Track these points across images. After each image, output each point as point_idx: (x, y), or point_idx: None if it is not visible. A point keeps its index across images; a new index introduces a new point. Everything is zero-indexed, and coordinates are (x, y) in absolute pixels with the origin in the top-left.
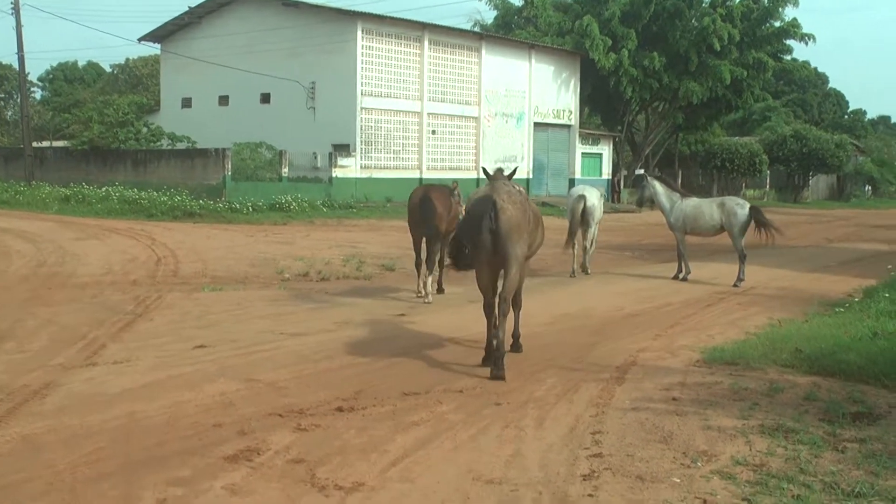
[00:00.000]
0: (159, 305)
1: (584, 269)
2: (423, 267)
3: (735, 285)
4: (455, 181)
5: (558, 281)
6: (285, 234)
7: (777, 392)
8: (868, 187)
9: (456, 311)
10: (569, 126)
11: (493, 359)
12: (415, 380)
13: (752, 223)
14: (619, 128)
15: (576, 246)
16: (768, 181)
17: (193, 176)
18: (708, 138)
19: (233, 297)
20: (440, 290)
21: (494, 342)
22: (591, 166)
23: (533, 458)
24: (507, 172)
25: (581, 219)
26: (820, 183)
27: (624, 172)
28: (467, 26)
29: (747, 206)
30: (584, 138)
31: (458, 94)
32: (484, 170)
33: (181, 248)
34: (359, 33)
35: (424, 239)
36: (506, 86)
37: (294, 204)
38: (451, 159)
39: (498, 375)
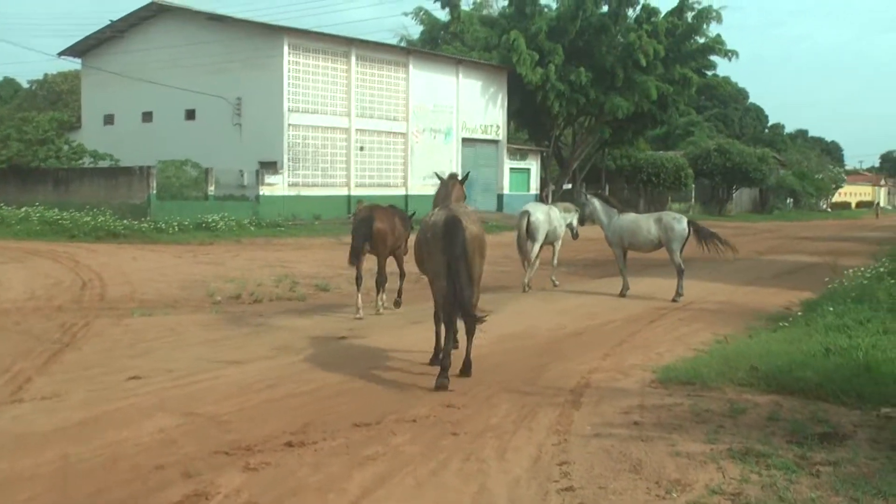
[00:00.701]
0: (87, 333)
1: (524, 286)
2: (362, 285)
3: (674, 300)
4: (361, 199)
5: (496, 298)
6: (214, 254)
7: (739, 413)
8: (790, 200)
9: (398, 332)
10: (497, 141)
11: (463, 364)
12: (364, 409)
13: (695, 237)
14: (547, 143)
15: (533, 261)
16: (693, 195)
17: (117, 195)
18: (634, 153)
19: (165, 323)
20: (397, 304)
21: (468, 353)
22: (520, 181)
23: (500, 493)
24: (460, 178)
25: (527, 235)
26: (743, 196)
27: (552, 187)
28: (394, 42)
29: (685, 220)
30: (512, 153)
31: (386, 110)
32: (437, 175)
33: (107, 271)
34: (285, 48)
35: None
36: (434, 101)
37: (221, 223)
38: (379, 176)
39: (468, 375)
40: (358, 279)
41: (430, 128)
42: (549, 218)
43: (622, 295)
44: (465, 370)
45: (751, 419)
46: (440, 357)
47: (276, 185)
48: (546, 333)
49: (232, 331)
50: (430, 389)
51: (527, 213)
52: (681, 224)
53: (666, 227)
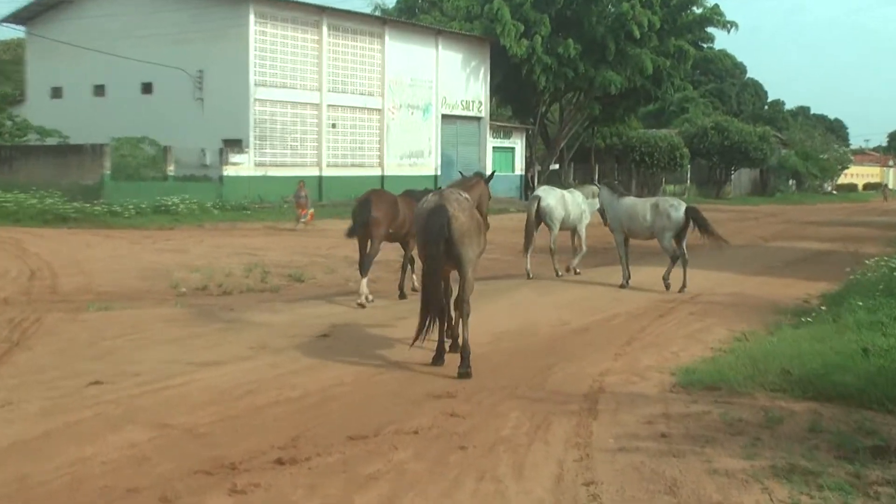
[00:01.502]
0: (39, 330)
1: (556, 271)
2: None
3: (680, 291)
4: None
5: (487, 290)
6: (175, 240)
7: (776, 423)
8: (792, 181)
9: (386, 329)
10: (479, 118)
11: (461, 357)
12: (359, 418)
13: (693, 226)
14: (532, 120)
15: (530, 251)
16: (689, 176)
17: (67, 175)
18: (625, 131)
19: (126, 318)
20: (401, 296)
21: (459, 341)
22: (503, 161)
23: None
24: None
25: (537, 221)
26: (742, 177)
27: (538, 167)
28: (368, 11)
29: (683, 207)
30: (496, 131)
31: (361, 85)
32: (461, 173)
33: (57, 259)
34: (251, 18)
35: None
36: (411, 75)
37: (182, 206)
38: (353, 155)
39: (465, 373)
40: (362, 265)
41: (408, 103)
42: (564, 203)
43: (623, 286)
44: (463, 368)
45: (790, 430)
46: (440, 349)
47: (242, 165)
48: (548, 330)
49: (201, 327)
50: (429, 394)
51: (537, 198)
52: (678, 212)
53: (661, 213)
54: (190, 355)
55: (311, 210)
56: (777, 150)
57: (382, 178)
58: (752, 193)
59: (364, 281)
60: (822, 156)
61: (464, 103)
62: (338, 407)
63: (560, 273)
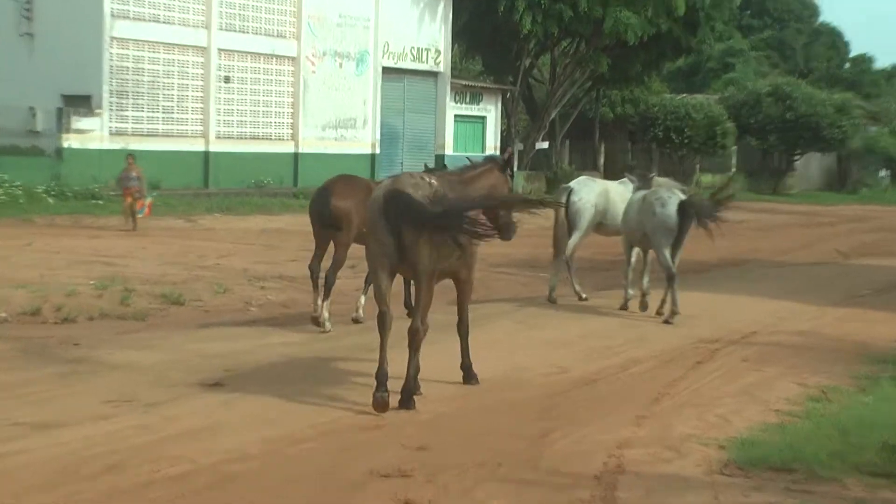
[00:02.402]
0: None
1: (578, 295)
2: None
3: (666, 320)
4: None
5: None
6: None
7: None
8: (885, 172)
9: (312, 372)
10: (435, 73)
11: (402, 394)
12: None
13: (694, 225)
14: (512, 79)
15: (568, 258)
16: (734, 161)
17: None
18: (644, 96)
19: None
20: (356, 320)
21: (408, 375)
22: (470, 136)
23: None
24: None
25: (567, 219)
26: (812, 165)
27: (518, 146)
28: None
29: (674, 201)
30: (460, 93)
31: (267, 22)
32: (468, 159)
33: None
34: None
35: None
36: (339, 10)
37: None
38: (254, 122)
39: (407, 407)
40: (314, 276)
41: (334, 51)
42: (607, 199)
43: (622, 308)
44: (404, 402)
45: None
46: (380, 377)
47: (91, 134)
48: (541, 380)
49: (34, 370)
50: (373, 472)
51: (568, 192)
52: (665, 208)
53: (646, 210)
54: (19, 412)
55: (150, 199)
56: (862, 126)
57: (296, 156)
58: (824, 188)
59: (325, 304)
60: None
61: (415, 52)
62: (239, 491)
63: (584, 297)
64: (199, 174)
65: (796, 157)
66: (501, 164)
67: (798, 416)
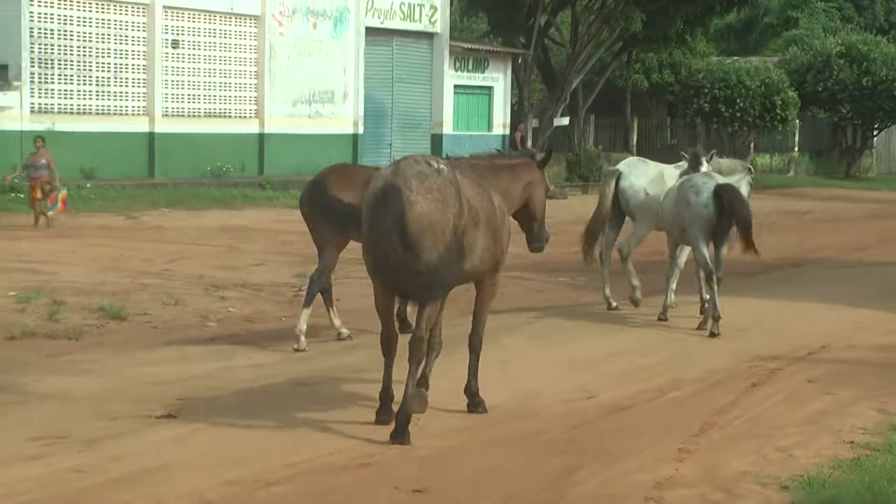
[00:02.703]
0: None
1: (634, 300)
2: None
3: (713, 333)
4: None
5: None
6: None
7: None
8: None
9: (281, 401)
10: (431, 35)
11: (396, 422)
12: None
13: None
14: (525, 40)
15: (602, 258)
16: (797, 139)
17: None
18: (685, 61)
19: None
20: (340, 336)
21: (406, 395)
22: (474, 111)
23: None
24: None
25: (614, 210)
26: (894, 142)
27: (533, 123)
28: None
29: (710, 188)
30: (461, 59)
31: None
32: (498, 150)
33: None
34: None
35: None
36: None
37: None
38: (209, 97)
39: (400, 441)
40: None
41: (307, 8)
42: (663, 187)
43: (660, 318)
44: (398, 434)
45: None
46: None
47: (8, 112)
48: (562, 408)
49: None
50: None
51: (616, 175)
52: (700, 196)
53: (681, 200)
54: None
55: (63, 191)
56: None
57: (261, 137)
58: None
59: (305, 314)
60: None
61: (405, 9)
62: None
63: (614, 304)
64: (143, 161)
65: (875, 133)
66: (539, 160)
67: (878, 449)
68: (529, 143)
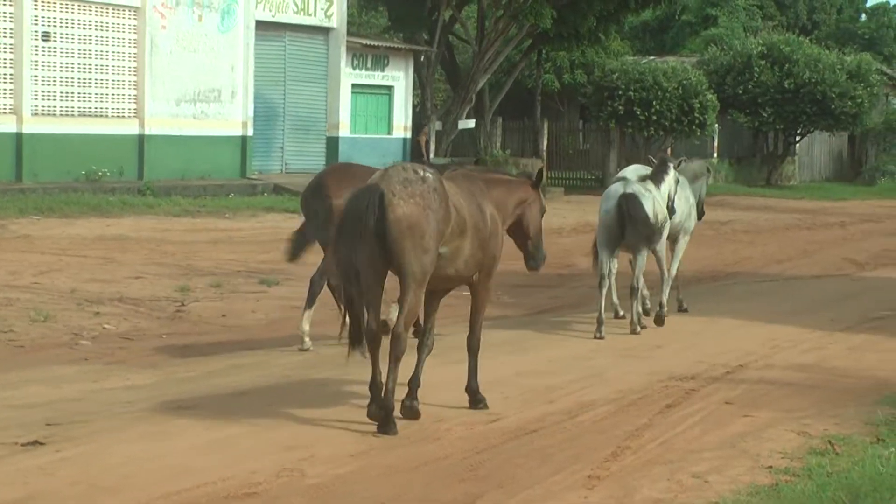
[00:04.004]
0: None
1: (637, 322)
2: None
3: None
4: None
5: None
6: None
7: None
8: None
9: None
10: (327, 30)
11: (380, 415)
12: None
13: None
14: (428, 36)
15: (606, 278)
16: (716, 144)
17: None
18: (599, 60)
19: None
20: (304, 345)
21: (382, 392)
22: (373, 112)
23: None
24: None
25: (619, 227)
26: (817, 149)
27: (437, 125)
28: None
29: (617, 195)
30: (360, 56)
31: None
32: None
33: None
34: None
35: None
36: None
37: None
38: (84, 95)
39: (385, 431)
40: (313, 289)
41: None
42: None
43: (634, 332)
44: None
45: None
46: (374, 393)
47: None
48: (464, 431)
49: None
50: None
51: (624, 184)
52: (607, 203)
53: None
54: None
55: None
56: (882, 97)
57: (141, 138)
58: (833, 178)
59: (307, 314)
60: None
61: (298, 2)
62: None
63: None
64: (10, 164)
65: (798, 138)
66: (534, 180)
67: (797, 474)
68: (433, 147)
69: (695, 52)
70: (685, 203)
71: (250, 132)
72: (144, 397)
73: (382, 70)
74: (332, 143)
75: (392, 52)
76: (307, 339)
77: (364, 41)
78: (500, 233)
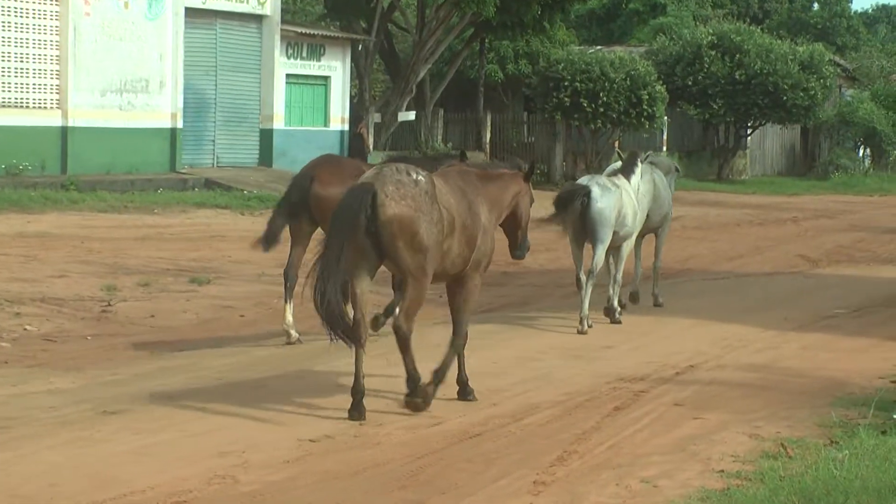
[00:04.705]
0: None
1: (582, 322)
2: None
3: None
4: None
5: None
6: None
7: None
8: (864, 151)
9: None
10: (260, 17)
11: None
12: None
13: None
14: (366, 25)
15: (582, 275)
16: (665, 138)
17: None
18: (544, 50)
19: None
20: (290, 339)
21: (409, 377)
22: (309, 103)
23: None
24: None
25: (581, 221)
26: (769, 142)
27: (376, 117)
28: None
29: (566, 189)
30: (295, 45)
31: None
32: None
33: None
34: None
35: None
36: None
37: None
38: (3, 85)
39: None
40: (288, 283)
41: None
42: (626, 197)
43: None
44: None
45: None
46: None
47: None
48: (405, 436)
49: None
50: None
51: (585, 192)
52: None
53: None
54: None
55: None
56: (836, 89)
57: (64, 131)
58: (785, 173)
59: (289, 306)
60: None
61: None
62: None
63: (587, 326)
64: None
65: (749, 131)
66: (526, 172)
67: (749, 478)
68: (371, 140)
69: (643, 42)
70: (667, 194)
71: (180, 124)
72: (68, 402)
73: (318, 60)
74: (267, 136)
75: (328, 41)
76: (293, 331)
77: (299, 29)
78: (492, 230)
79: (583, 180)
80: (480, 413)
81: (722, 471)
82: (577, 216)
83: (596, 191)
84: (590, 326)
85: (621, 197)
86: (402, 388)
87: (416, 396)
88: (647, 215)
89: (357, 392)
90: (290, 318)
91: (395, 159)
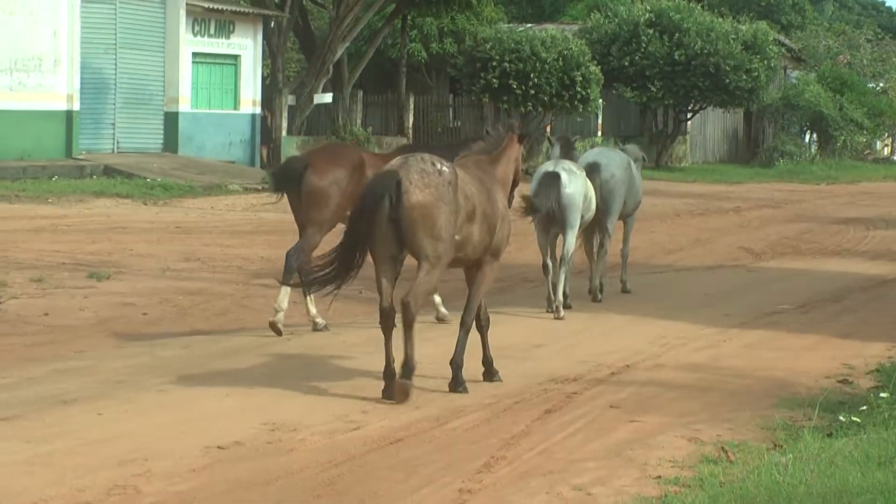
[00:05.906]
0: None
1: (554, 307)
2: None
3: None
4: None
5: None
6: None
7: None
8: (810, 136)
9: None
10: None
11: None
12: None
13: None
14: (278, 1)
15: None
16: (600, 122)
17: None
18: (470, 28)
19: None
20: (317, 326)
21: (406, 362)
22: (217, 84)
23: None
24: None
25: (551, 216)
26: (710, 127)
27: (290, 99)
28: None
29: (539, 175)
30: (202, 21)
31: None
32: (487, 131)
33: None
34: None
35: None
36: None
37: None
38: None
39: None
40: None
41: None
42: (586, 184)
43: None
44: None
45: None
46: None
47: None
48: (320, 441)
49: None
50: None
51: (556, 179)
52: (532, 183)
53: None
54: None
55: None
56: (780, 71)
57: None
58: (727, 159)
59: (285, 292)
60: (873, 85)
61: None
62: None
63: (561, 313)
64: None
65: (689, 116)
66: (521, 133)
67: (688, 485)
68: (284, 124)
69: (576, 20)
70: (640, 182)
71: (77, 106)
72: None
73: (227, 37)
74: (171, 119)
75: (238, 17)
76: (319, 319)
77: (206, 4)
78: (508, 215)
79: (548, 165)
80: (402, 417)
81: (659, 477)
82: (552, 202)
83: (564, 176)
84: (568, 307)
85: (585, 181)
86: (318, 389)
87: (406, 378)
88: (624, 202)
89: (389, 376)
90: (313, 308)
91: (418, 147)
